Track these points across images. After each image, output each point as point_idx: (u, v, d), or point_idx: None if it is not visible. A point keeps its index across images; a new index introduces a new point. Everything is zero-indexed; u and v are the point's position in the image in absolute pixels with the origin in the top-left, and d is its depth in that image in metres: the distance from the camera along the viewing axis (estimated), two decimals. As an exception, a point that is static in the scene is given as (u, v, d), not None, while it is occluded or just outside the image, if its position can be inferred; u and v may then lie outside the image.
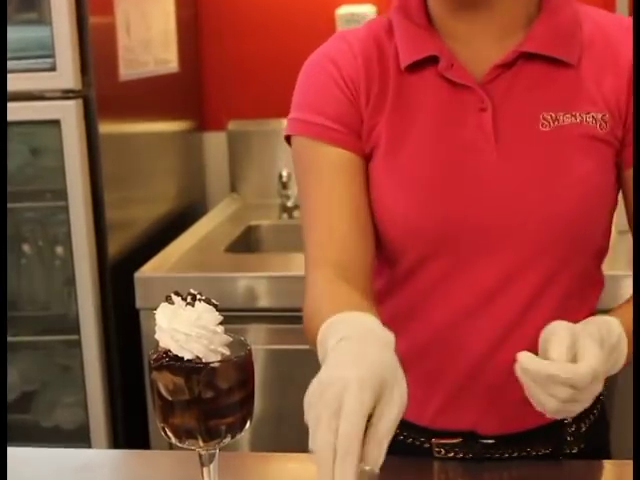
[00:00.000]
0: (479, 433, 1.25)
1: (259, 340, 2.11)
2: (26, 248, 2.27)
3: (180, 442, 1.01)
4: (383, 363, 0.93)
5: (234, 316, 1.90)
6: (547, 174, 1.16)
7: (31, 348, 2.34)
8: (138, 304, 2.16)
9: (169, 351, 1.00)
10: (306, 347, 1.14)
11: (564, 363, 0.98)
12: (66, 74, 2.13)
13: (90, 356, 2.24)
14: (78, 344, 2.25)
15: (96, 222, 2.21)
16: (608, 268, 2.00)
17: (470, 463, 1.25)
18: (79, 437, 2.30)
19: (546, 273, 1.19)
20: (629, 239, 1.20)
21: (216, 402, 0.99)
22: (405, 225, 1.20)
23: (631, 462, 1.23)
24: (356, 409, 0.87)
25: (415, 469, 1.13)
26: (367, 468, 0.88)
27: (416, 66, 1.20)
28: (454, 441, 1.26)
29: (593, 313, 1.24)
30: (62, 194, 2.18)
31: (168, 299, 1.01)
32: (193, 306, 1.00)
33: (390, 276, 1.26)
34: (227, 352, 1.00)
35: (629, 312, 1.11)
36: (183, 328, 0.98)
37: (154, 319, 1.01)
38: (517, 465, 1.24)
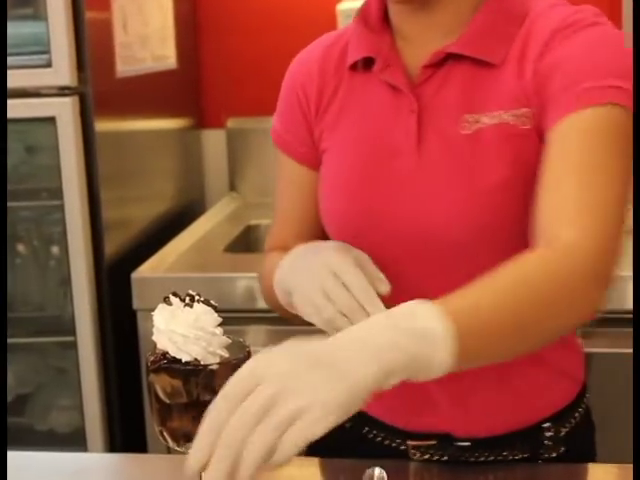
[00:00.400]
0: (454, 436, 1.25)
1: (259, 341, 2.10)
2: (21, 248, 2.27)
3: (178, 446, 1.01)
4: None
5: (233, 317, 1.90)
6: (464, 180, 1.15)
7: (26, 350, 2.34)
8: (135, 305, 2.16)
9: (167, 353, 0.99)
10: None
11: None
12: (62, 70, 2.13)
13: (86, 358, 2.24)
14: (74, 346, 2.24)
15: (92, 221, 2.21)
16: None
17: (444, 466, 1.25)
18: (75, 441, 2.30)
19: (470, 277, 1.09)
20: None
21: (214, 405, 0.99)
22: (336, 223, 1.25)
23: (616, 466, 1.24)
24: (352, 265, 1.10)
25: (389, 471, 1.13)
26: None
27: (360, 67, 1.24)
28: (429, 443, 1.26)
29: None
30: (58, 193, 2.18)
31: (166, 300, 1.00)
32: (191, 307, 0.99)
33: None
34: (226, 354, 1.00)
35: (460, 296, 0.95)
36: (181, 330, 0.98)
37: (151, 320, 1.01)
38: (493, 469, 1.24)
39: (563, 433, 1.27)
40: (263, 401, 0.79)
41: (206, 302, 1.01)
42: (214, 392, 0.98)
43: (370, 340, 0.84)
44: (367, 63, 1.24)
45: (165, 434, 1.01)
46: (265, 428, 0.78)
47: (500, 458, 1.25)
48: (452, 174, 1.16)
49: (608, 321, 1.97)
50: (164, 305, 1.00)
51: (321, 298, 1.09)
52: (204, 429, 0.82)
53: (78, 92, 2.17)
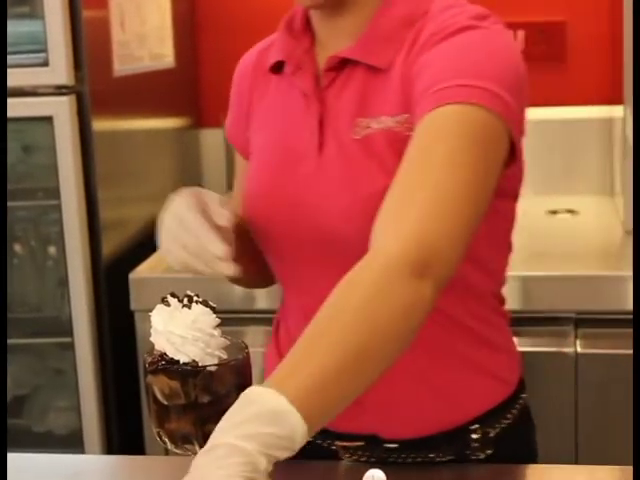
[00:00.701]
0: (381, 437, 1.26)
1: (257, 342, 2.10)
2: (18, 248, 2.27)
3: (176, 448, 1.01)
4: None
5: (232, 318, 1.89)
6: (352, 185, 1.17)
7: (23, 351, 2.34)
8: (133, 306, 2.16)
9: (165, 354, 1.00)
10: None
11: None
12: (59, 69, 2.13)
13: (83, 359, 2.24)
14: (71, 347, 2.24)
15: (90, 221, 2.21)
16: (613, 269, 2.01)
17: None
18: (72, 442, 2.30)
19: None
20: None
21: (213, 406, 0.99)
22: (250, 223, 1.28)
23: (554, 467, 1.25)
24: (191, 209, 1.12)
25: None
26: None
27: (278, 70, 1.28)
28: (357, 444, 1.27)
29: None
30: (55, 192, 2.18)
31: (164, 301, 1.01)
32: (190, 308, 1.00)
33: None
34: (224, 355, 1.00)
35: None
36: (179, 331, 0.98)
37: (149, 321, 1.01)
38: (417, 469, 1.25)
39: (492, 434, 1.27)
40: None
41: (204, 303, 1.01)
42: (212, 393, 0.99)
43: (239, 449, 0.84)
44: (281, 67, 1.28)
45: (163, 436, 1.01)
46: None
47: (427, 459, 1.26)
48: (343, 179, 1.19)
49: (608, 322, 1.98)
50: (162, 306, 1.00)
51: (172, 243, 1.14)
52: None
53: (75, 91, 2.17)
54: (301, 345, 0.93)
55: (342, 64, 1.21)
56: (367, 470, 1.07)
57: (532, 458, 1.34)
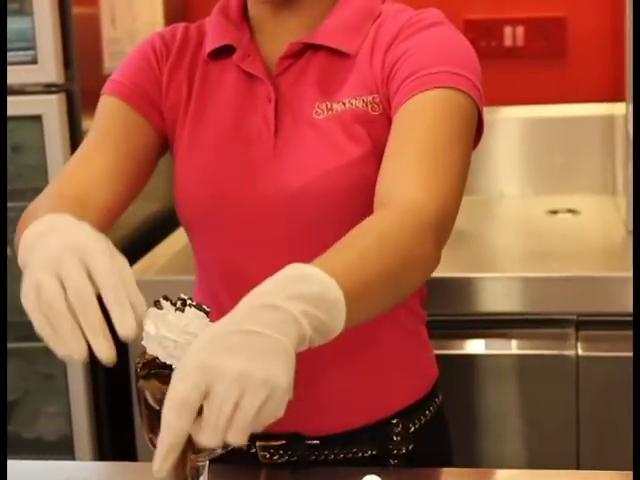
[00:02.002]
0: (303, 434, 1.29)
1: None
2: (7, 250, 2.27)
3: (168, 454, 1.01)
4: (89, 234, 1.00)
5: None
6: (320, 158, 1.24)
7: (12, 355, 2.34)
8: (124, 309, 2.16)
9: (157, 359, 1.00)
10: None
11: None
12: (48, 67, 2.13)
13: (73, 363, 2.24)
14: (61, 351, 2.24)
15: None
16: (615, 269, 2.02)
17: (290, 469, 1.29)
18: (62, 449, 2.30)
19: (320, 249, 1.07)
20: None
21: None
22: (187, 204, 1.31)
23: (554, 472, 1.27)
24: (75, 264, 0.93)
25: (236, 476, 1.14)
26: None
27: (219, 55, 1.32)
28: (278, 443, 1.29)
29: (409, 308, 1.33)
30: (44, 193, 2.17)
31: (156, 304, 1.01)
32: (183, 312, 1.00)
33: (199, 266, 1.37)
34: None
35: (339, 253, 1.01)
36: (172, 335, 0.98)
37: (141, 325, 1.01)
38: (340, 473, 1.27)
39: (412, 430, 1.32)
40: (229, 410, 0.85)
41: (198, 307, 1.01)
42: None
43: (282, 312, 0.88)
44: (225, 52, 1.31)
45: (155, 442, 1.01)
46: (238, 432, 0.87)
47: (350, 455, 1.29)
48: (304, 157, 1.24)
49: (609, 324, 1.98)
50: (154, 309, 1.01)
51: (51, 278, 0.93)
52: (167, 443, 0.87)
53: (65, 89, 2.17)
54: (346, 250, 1.00)
55: (301, 51, 1.28)
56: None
57: (449, 455, 1.41)
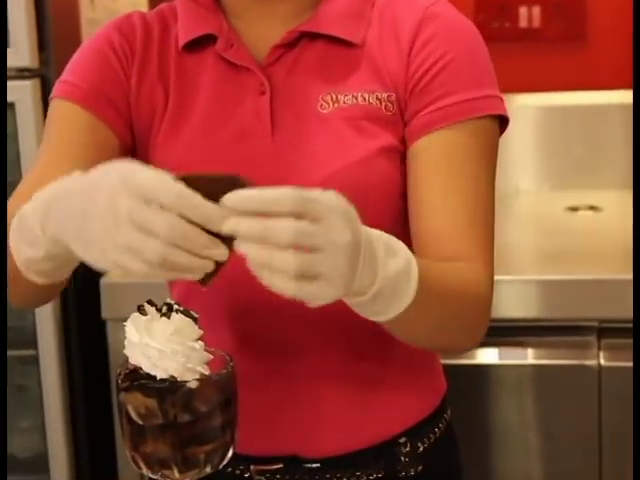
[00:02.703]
0: (302, 457, 1.27)
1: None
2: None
3: (152, 473, 1.01)
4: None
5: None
6: (325, 156, 1.22)
7: (-19, 365, 2.34)
8: (104, 314, 2.16)
9: (140, 369, 0.99)
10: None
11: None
12: (21, 51, 2.13)
13: (49, 374, 2.24)
14: (35, 360, 2.24)
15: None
16: (620, 271, 2.01)
17: None
18: (36, 467, 2.30)
19: None
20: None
21: (194, 427, 0.99)
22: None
23: None
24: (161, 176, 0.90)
25: None
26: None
27: (195, 46, 1.28)
28: (275, 467, 1.28)
29: None
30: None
31: (140, 309, 1.00)
32: (169, 318, 0.99)
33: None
34: (206, 371, 1.00)
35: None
36: (157, 343, 0.98)
37: (123, 332, 1.01)
38: None
39: (421, 449, 1.31)
40: (311, 241, 0.90)
41: (186, 312, 1.01)
42: (193, 412, 0.99)
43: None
44: (202, 43, 1.28)
45: (138, 460, 1.01)
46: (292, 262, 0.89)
47: (354, 479, 1.28)
48: (312, 155, 1.22)
49: (632, 331, 1.98)
50: (138, 315, 1.00)
51: (135, 232, 0.89)
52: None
53: (39, 74, 2.17)
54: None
55: (296, 40, 1.26)
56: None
57: (460, 475, 1.40)
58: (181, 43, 1.28)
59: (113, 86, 1.28)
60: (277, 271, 0.90)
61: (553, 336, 2.02)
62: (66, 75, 1.30)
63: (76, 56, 1.32)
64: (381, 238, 0.99)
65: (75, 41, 2.27)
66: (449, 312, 1.13)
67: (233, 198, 0.90)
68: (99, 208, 0.91)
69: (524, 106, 2.61)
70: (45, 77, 2.18)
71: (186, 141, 1.27)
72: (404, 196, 1.25)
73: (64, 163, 1.20)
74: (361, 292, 0.97)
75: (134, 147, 1.30)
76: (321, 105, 1.24)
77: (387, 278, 0.98)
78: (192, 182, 0.91)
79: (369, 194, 1.22)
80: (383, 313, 1.02)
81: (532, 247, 2.32)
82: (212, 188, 0.91)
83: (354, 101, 1.24)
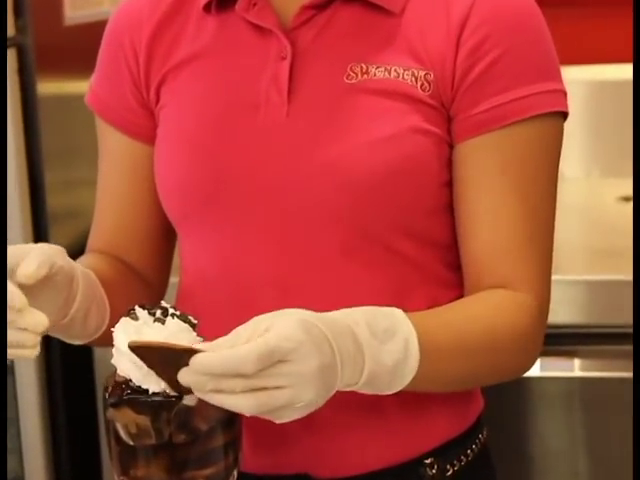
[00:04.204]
0: (314, 476, 1.28)
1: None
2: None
3: (145, 500, 1.01)
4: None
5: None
6: (347, 131, 1.24)
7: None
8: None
9: (130, 381, 1.00)
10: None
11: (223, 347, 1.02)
12: (-6, 16, 2.13)
13: (26, 386, 2.24)
14: (11, 371, 2.25)
15: (34, 210, 2.21)
16: (623, 272, 2.00)
17: None
18: (12, 492, 2.31)
19: (343, 246, 1.26)
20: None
21: (192, 448, 1.00)
22: (179, 191, 1.31)
23: None
24: None
25: None
26: None
27: (216, 6, 1.31)
28: None
29: None
30: (-11, 174, 2.18)
31: (131, 313, 1.01)
32: (163, 323, 1.00)
33: (190, 274, 1.37)
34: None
35: (426, 314, 1.21)
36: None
37: (111, 339, 1.01)
38: None
39: (450, 472, 1.31)
40: (275, 383, 1.00)
41: (183, 317, 1.01)
42: (191, 432, 0.99)
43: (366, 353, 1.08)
44: (225, 2, 1.30)
45: (128, 485, 1.01)
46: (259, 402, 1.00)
47: None
48: (330, 126, 1.24)
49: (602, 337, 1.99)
50: (128, 319, 1.01)
51: None
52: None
53: (16, 44, 2.17)
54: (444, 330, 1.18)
55: (329, 1, 1.26)
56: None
57: None
58: (203, 2, 1.31)
59: (127, 88, 1.36)
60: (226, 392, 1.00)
61: (603, 345, 2.02)
62: (94, 84, 1.43)
63: (98, 60, 1.42)
64: (363, 321, 1.10)
65: (56, 6, 2.27)
66: (496, 362, 1.24)
67: (196, 364, 0.98)
68: None
69: (572, 81, 2.59)
70: (22, 46, 2.18)
71: (194, 110, 1.30)
72: (443, 186, 1.26)
73: (115, 203, 1.43)
74: (350, 385, 1.09)
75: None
76: (348, 75, 1.25)
77: (379, 365, 1.09)
78: (146, 353, 0.99)
79: (396, 179, 1.23)
80: (386, 390, 1.13)
81: (580, 243, 2.32)
82: (168, 361, 0.99)
83: (386, 75, 1.24)
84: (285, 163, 1.25)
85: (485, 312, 1.23)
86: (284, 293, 1.26)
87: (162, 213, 1.36)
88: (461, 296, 1.30)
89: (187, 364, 0.97)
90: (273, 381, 1.00)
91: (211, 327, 1.11)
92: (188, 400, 0.99)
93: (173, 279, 1.44)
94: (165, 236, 1.41)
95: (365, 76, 1.24)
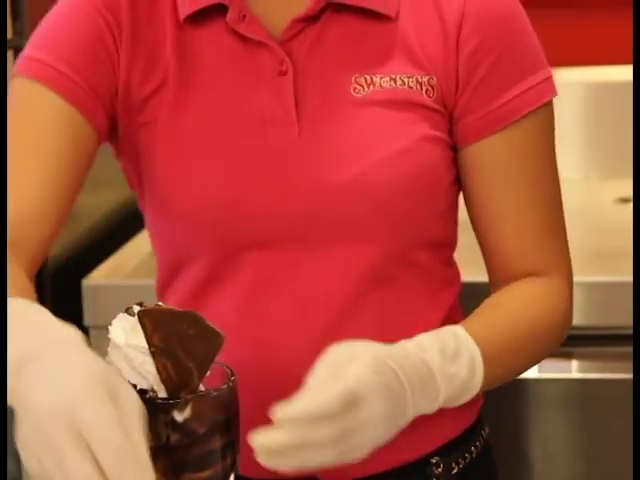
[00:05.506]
0: (321, 479, 1.27)
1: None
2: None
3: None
4: (97, 370, 0.92)
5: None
6: (363, 147, 1.23)
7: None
8: (86, 320, 2.16)
9: (127, 382, 0.99)
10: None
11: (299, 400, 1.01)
12: (-9, 19, 2.13)
13: None
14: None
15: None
16: (621, 274, 2.00)
17: None
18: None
19: (368, 265, 1.26)
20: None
21: (190, 450, 0.99)
22: (188, 215, 1.25)
23: None
24: (108, 419, 0.87)
25: None
26: None
27: (199, 17, 1.25)
28: None
29: (449, 316, 1.34)
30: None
31: (128, 311, 1.00)
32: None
33: (184, 290, 1.31)
34: (202, 386, 1.00)
35: (480, 322, 1.23)
36: (143, 345, 0.98)
37: (107, 340, 1.00)
38: None
39: (455, 470, 1.32)
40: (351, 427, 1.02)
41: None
42: (188, 433, 0.99)
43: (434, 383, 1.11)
44: (206, 14, 1.25)
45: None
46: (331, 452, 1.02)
47: None
48: (346, 143, 1.23)
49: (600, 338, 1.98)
50: (125, 315, 1.00)
51: (52, 463, 0.89)
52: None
53: (13, 46, 2.17)
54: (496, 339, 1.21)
55: (320, 12, 1.24)
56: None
57: None
58: (186, 13, 1.25)
59: (102, 73, 1.26)
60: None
61: (601, 346, 2.02)
62: (46, 53, 1.26)
63: (53, 22, 1.29)
64: (434, 348, 1.12)
65: (52, 7, 2.27)
66: (537, 351, 1.30)
67: (284, 416, 0.99)
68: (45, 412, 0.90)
69: (569, 82, 2.60)
70: (19, 49, 2.17)
71: (194, 131, 1.25)
72: (449, 188, 1.28)
73: (46, 162, 1.24)
74: (426, 412, 1.12)
75: (110, 131, 1.30)
76: (354, 88, 1.24)
77: (451, 389, 1.12)
78: (152, 318, 0.99)
79: (415, 187, 1.23)
80: (455, 404, 1.16)
81: (577, 244, 2.28)
82: (174, 326, 0.99)
83: (392, 84, 1.24)
84: (303, 184, 1.23)
85: (526, 307, 1.27)
86: (302, 308, 1.26)
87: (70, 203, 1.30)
88: (457, 292, 1.33)
89: (190, 334, 0.98)
90: (351, 425, 1.02)
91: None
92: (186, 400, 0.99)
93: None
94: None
95: (371, 87, 1.23)
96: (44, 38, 1.29)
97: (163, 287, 1.35)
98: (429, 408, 1.10)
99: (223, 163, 1.24)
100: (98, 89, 1.25)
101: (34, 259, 1.22)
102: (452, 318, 1.34)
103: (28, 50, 1.28)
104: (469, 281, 1.40)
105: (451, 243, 1.34)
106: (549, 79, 1.29)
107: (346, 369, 1.02)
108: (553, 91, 1.29)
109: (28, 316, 1.01)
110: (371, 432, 1.03)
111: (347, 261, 1.24)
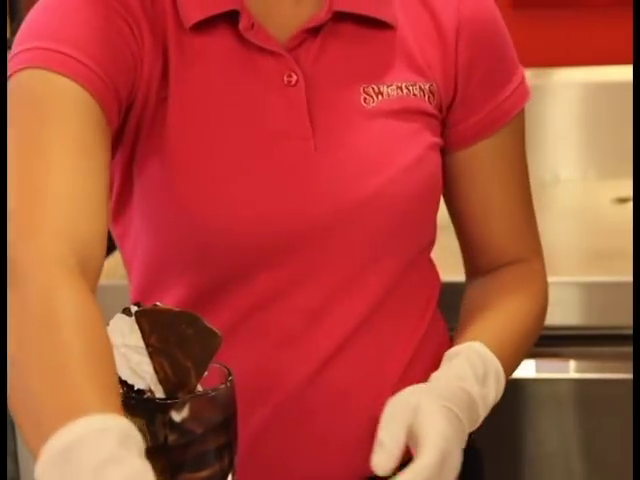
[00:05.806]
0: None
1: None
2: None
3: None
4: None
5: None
6: (379, 160, 1.22)
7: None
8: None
9: (125, 383, 0.99)
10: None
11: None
12: (-11, 19, 2.14)
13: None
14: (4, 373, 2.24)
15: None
16: (618, 274, 2.00)
17: None
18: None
19: (387, 274, 1.26)
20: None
21: (187, 451, 0.99)
22: (200, 232, 1.19)
23: None
24: None
25: None
26: None
27: (206, 25, 1.19)
28: None
29: (433, 316, 1.35)
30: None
31: (126, 312, 1.00)
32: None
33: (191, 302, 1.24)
34: (200, 386, 1.00)
35: (491, 334, 1.26)
36: (141, 345, 0.98)
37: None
38: None
39: None
40: None
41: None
42: (186, 433, 0.99)
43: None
44: (212, 21, 1.19)
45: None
46: None
47: None
48: (362, 155, 1.21)
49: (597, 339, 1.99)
50: (123, 315, 1.00)
51: None
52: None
53: (11, 46, 2.17)
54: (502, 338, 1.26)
55: (327, 20, 1.21)
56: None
57: None
58: (195, 20, 1.19)
59: (126, 70, 1.16)
60: None
61: (598, 346, 2.02)
62: (68, 46, 1.13)
63: (64, 14, 1.16)
64: (470, 376, 1.17)
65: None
66: (534, 339, 1.37)
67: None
68: None
69: (566, 82, 2.61)
70: (17, 49, 2.18)
71: (203, 143, 1.20)
72: (441, 189, 1.30)
73: (91, 167, 1.10)
74: None
75: (120, 129, 1.20)
76: (364, 99, 1.23)
77: (485, 410, 1.19)
78: (149, 318, 1.00)
79: (426, 195, 1.25)
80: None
81: (575, 244, 2.32)
82: (171, 326, 1.00)
83: (399, 93, 1.24)
84: (322, 199, 1.21)
85: (519, 305, 1.33)
86: (314, 321, 1.25)
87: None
88: (439, 290, 1.36)
89: (187, 334, 0.99)
90: (444, 478, 1.04)
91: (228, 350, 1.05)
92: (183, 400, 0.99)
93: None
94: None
95: (380, 97, 1.23)
96: (56, 30, 1.16)
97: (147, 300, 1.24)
98: (470, 431, 1.14)
99: (240, 183, 1.20)
100: (118, 88, 1.15)
101: (97, 278, 1.08)
102: (435, 317, 1.36)
103: (38, 42, 1.16)
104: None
105: (434, 243, 1.36)
106: (524, 77, 1.33)
107: (424, 426, 1.05)
108: (528, 89, 1.33)
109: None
110: (454, 474, 1.06)
111: (365, 272, 1.24)
